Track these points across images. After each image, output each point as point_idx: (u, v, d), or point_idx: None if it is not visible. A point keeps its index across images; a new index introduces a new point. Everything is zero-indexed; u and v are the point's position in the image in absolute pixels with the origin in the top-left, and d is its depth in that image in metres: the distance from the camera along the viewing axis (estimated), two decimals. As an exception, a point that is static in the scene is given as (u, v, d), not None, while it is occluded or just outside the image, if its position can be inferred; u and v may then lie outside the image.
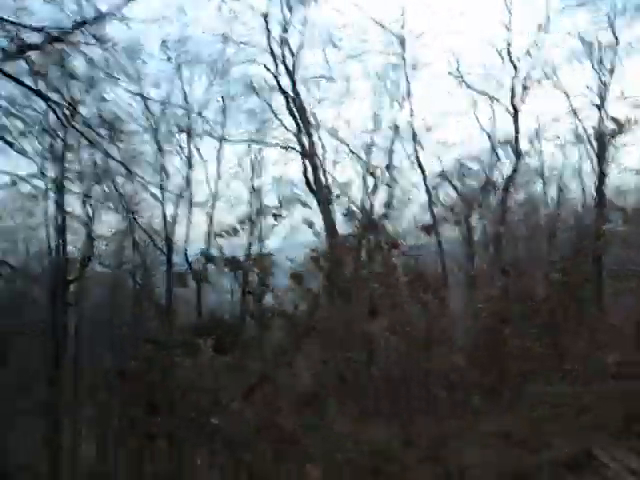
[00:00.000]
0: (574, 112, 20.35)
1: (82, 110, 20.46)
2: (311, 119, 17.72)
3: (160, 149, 22.30)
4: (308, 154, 17.51)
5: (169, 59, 20.72)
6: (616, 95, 19.54)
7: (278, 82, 16.12)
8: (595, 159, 20.31)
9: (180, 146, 21.95)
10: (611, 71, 19.80)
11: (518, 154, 19.10)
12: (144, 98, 21.24)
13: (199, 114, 20.75)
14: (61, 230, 20.52)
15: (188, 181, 22.12)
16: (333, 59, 18.89)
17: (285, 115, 18.10)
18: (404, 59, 19.07)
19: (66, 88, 19.60)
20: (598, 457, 4.29)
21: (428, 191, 19.46)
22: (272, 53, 15.65)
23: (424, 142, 20.99)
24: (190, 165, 21.92)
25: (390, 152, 21.07)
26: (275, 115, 17.89)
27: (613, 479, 4.16)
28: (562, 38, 19.40)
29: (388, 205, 17.66)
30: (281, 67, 16.47)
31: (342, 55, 18.02)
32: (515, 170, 19.22)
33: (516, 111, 18.88)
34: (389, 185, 18.68)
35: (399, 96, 20.43)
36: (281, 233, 18.51)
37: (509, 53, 18.81)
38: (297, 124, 16.71)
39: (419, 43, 18.91)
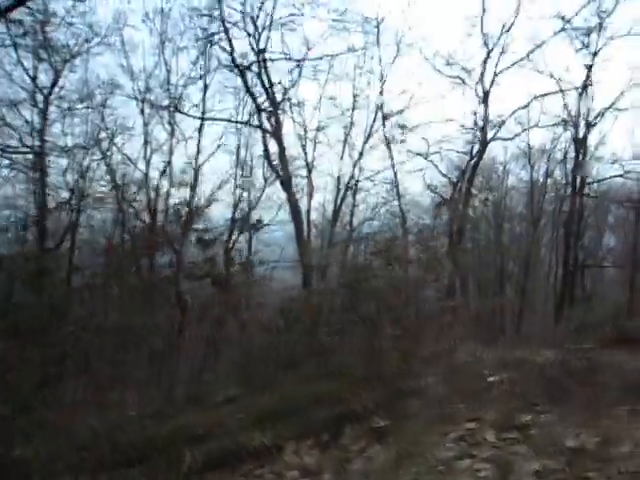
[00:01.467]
0: (562, 93, 19.95)
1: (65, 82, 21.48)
2: (278, 97, 17.83)
3: (145, 123, 22.88)
4: (272, 132, 17.64)
5: (151, 31, 21.10)
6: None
7: (233, 60, 16.17)
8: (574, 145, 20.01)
9: (161, 118, 22.47)
10: (594, 54, 19.28)
11: (485, 140, 18.80)
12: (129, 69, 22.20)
13: (176, 95, 21.06)
14: (42, 201, 21.10)
15: (170, 155, 22.67)
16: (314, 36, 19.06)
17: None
18: (378, 39, 18.97)
19: (48, 59, 20.33)
20: (285, 451, 4.37)
21: (395, 174, 19.49)
22: (226, 31, 15.67)
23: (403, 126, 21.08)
24: (172, 140, 22.38)
25: (368, 134, 21.21)
26: (248, 92, 17.92)
27: (281, 471, 4.25)
28: (542, 19, 18.85)
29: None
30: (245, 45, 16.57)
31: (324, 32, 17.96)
32: (480, 157, 18.98)
33: (486, 95, 18.56)
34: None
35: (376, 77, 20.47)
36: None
37: (483, 34, 18.43)
38: (255, 103, 16.82)
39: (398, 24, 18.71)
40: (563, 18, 18.66)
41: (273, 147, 18.10)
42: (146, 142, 22.72)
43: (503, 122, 18.91)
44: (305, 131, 22.73)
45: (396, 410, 4.90)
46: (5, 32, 16.83)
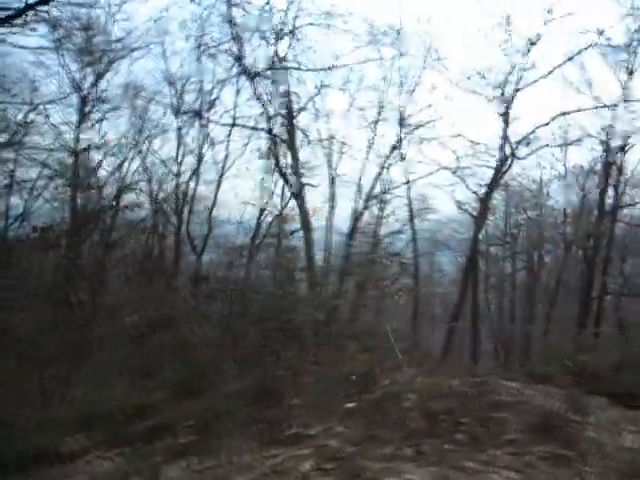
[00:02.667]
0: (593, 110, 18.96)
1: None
2: (294, 106, 17.93)
3: (179, 127, 23.55)
4: (286, 141, 17.72)
5: (187, 38, 21.53)
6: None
7: (242, 66, 16.29)
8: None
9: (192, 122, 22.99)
10: (631, 72, 18.25)
11: (505, 156, 18.14)
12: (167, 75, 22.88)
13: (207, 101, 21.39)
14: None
15: (200, 159, 23.20)
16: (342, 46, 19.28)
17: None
18: (400, 51, 18.79)
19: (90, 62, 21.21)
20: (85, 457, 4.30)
21: (409, 189, 19.20)
22: (234, 38, 15.71)
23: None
24: (202, 143, 22.88)
25: (393, 146, 21.05)
26: (258, 99, 17.94)
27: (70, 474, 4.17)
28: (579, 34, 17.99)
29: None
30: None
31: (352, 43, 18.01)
32: (499, 173, 18.30)
33: (506, 112, 17.91)
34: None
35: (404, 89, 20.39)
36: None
37: (505, 50, 17.79)
38: (265, 111, 16.93)
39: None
40: (600, 33, 17.76)
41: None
42: (179, 145, 23.53)
43: (525, 139, 18.22)
44: (331, 141, 22.86)
45: (225, 430, 4.78)
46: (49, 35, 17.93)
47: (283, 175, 17.44)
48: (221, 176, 22.98)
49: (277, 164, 17.09)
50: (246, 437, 4.71)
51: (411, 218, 20.06)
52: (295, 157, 17.70)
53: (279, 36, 17.12)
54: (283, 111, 17.76)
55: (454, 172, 21.22)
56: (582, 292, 18.25)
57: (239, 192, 25.81)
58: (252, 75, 16.15)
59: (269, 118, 16.81)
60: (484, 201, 18.50)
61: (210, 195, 23.30)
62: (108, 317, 7.01)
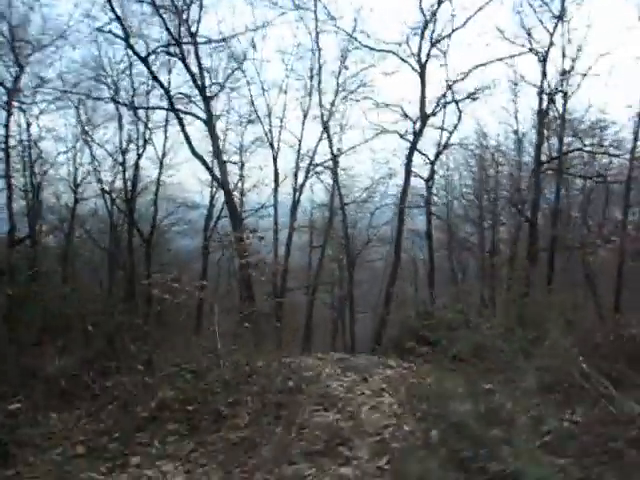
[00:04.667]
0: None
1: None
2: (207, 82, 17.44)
3: (120, 115, 23.18)
4: (205, 121, 17.24)
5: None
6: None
7: (130, 47, 15.54)
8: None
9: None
10: (559, 17, 17.18)
11: (423, 115, 17.31)
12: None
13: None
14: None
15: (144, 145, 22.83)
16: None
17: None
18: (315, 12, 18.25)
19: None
20: None
21: (334, 157, 18.57)
22: (117, 17, 14.73)
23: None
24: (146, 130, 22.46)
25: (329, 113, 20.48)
26: (154, 79, 17.22)
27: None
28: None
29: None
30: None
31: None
32: (419, 133, 17.49)
33: (422, 68, 17.05)
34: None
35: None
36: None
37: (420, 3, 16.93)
38: (164, 89, 16.40)
39: None
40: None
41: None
42: (121, 133, 23.15)
43: (443, 96, 17.44)
44: (270, 114, 22.30)
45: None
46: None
47: (199, 158, 16.98)
48: (162, 161, 22.84)
49: (190, 145, 16.59)
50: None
51: (338, 187, 19.52)
52: (213, 136, 17.23)
53: (184, 8, 16.51)
54: (193, 90, 17.27)
55: (402, 136, 20.57)
56: (528, 249, 17.47)
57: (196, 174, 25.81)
58: (144, 56, 15.58)
59: (169, 97, 16.31)
60: (409, 156, 17.70)
61: (170, 180, 23.39)
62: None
